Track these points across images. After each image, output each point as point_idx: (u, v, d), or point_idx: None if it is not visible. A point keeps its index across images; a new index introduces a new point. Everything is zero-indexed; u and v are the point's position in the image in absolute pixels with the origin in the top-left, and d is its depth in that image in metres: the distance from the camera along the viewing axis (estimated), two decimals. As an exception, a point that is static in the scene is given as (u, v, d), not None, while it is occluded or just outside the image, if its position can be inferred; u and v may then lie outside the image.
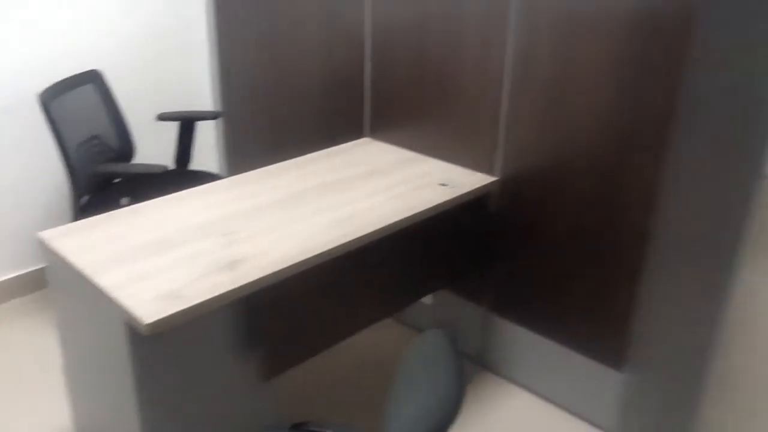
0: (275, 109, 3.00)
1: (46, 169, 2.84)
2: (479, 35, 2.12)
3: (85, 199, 2.52)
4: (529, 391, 2.33)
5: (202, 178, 2.70)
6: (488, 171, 2.22)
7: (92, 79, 2.66)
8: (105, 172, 2.56)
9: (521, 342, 2.31)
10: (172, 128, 2.85)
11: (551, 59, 1.96)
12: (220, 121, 3.33)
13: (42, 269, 2.89)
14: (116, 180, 2.68)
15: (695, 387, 0.61)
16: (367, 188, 2.10)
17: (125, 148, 2.76)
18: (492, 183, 2.18)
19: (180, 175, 2.79)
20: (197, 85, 3.30)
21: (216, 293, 1.50)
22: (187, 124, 2.84)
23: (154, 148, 2.95)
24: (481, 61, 2.14)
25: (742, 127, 0.55)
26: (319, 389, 2.34)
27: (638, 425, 0.61)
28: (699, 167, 0.58)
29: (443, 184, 2.14)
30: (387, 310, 2.09)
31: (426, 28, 2.26)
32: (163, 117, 2.83)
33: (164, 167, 2.35)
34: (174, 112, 2.89)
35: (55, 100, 2.41)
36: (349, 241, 1.78)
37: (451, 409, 1.07)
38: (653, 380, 0.61)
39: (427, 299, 2.53)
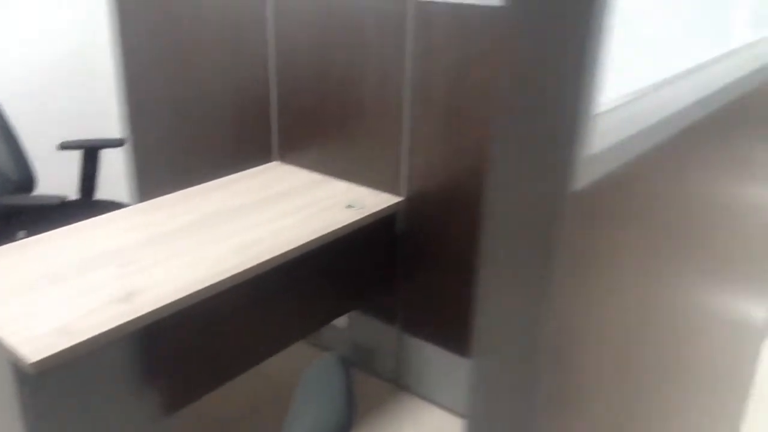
0: (184, 136, 2.95)
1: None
2: (379, 57, 2.16)
3: (-20, 233, 2.41)
4: (441, 407, 2.36)
5: (107, 207, 2.61)
6: (394, 191, 2.25)
7: (-14, 108, 2.56)
8: (-2, 205, 2.46)
9: (431, 359, 2.33)
10: (78, 157, 2.77)
11: (446, 79, 2.02)
12: (128, 148, 3.25)
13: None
14: (16, 213, 2.57)
15: (528, 378, 0.64)
16: (273, 212, 2.10)
17: (25, 180, 2.65)
18: (398, 203, 2.21)
19: (84, 206, 2.70)
20: (104, 113, 3.21)
21: (109, 326, 1.46)
22: (90, 152, 2.76)
23: (58, 178, 2.85)
24: (381, 82, 2.17)
25: (549, 142, 0.58)
26: (229, 418, 2.29)
27: (485, 409, 0.64)
28: (510, 182, 0.61)
29: (350, 206, 2.15)
30: (296, 335, 2.08)
31: (328, 53, 2.29)
32: (66, 146, 2.74)
33: (62, 198, 2.28)
34: (77, 141, 2.80)
35: (-56, 131, 2.30)
36: (254, 266, 1.77)
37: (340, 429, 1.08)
38: (491, 367, 0.65)
39: (342, 322, 2.53)
